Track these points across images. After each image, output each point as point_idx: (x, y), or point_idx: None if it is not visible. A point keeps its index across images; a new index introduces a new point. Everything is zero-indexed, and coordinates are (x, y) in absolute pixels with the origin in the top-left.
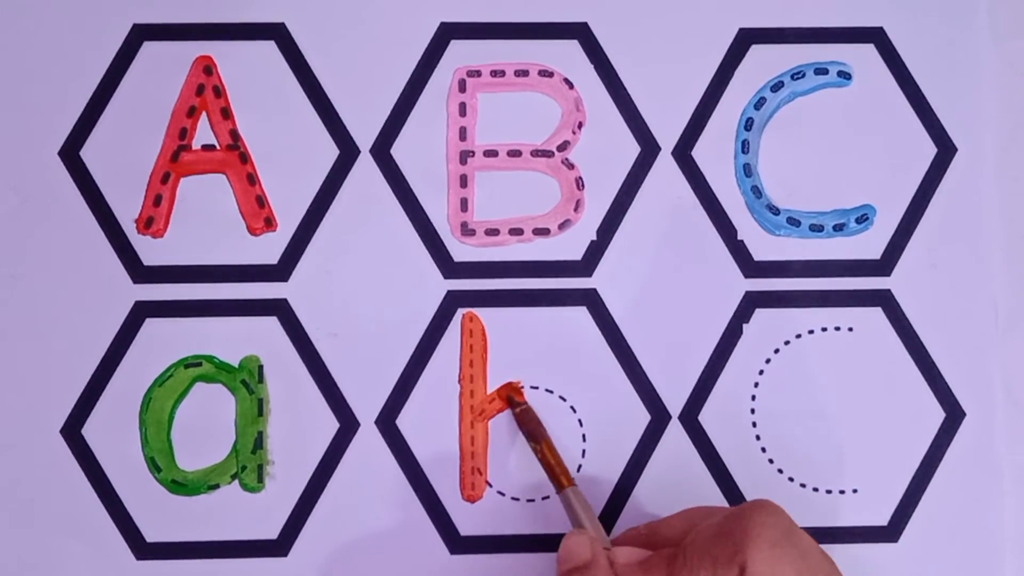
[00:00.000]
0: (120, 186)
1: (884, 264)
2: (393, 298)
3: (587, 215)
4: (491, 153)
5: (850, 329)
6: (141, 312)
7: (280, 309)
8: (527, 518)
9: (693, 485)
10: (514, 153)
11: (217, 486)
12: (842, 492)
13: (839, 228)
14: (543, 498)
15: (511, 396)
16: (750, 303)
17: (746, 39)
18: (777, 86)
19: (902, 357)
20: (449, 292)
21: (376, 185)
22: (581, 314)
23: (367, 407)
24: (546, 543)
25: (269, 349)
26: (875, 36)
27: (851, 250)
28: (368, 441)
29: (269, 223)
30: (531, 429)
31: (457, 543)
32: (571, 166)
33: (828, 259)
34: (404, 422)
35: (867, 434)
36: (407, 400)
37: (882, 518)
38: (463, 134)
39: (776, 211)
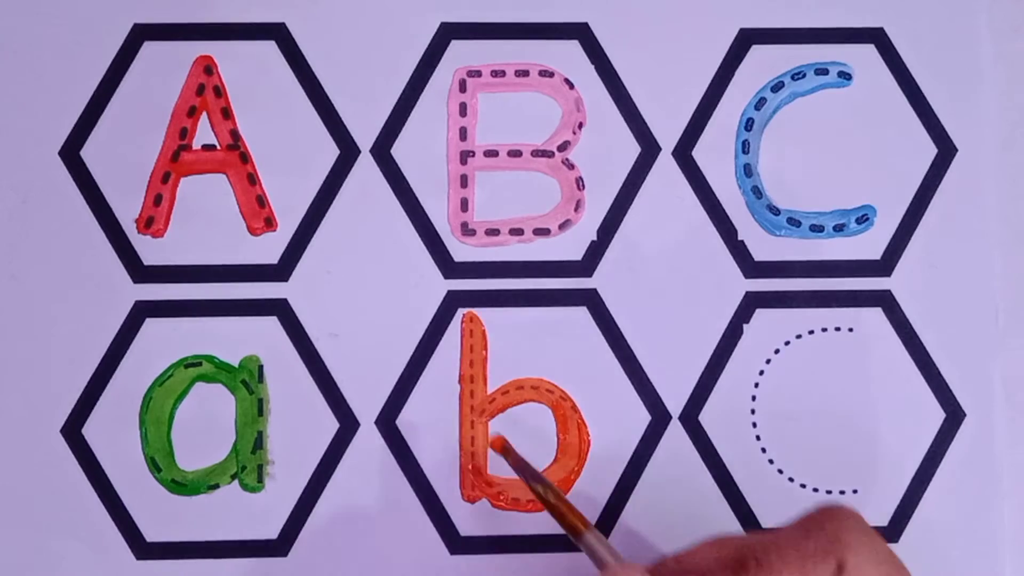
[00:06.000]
0: (120, 186)
1: (884, 264)
2: (393, 298)
3: (587, 215)
4: (491, 153)
5: (850, 329)
6: (141, 312)
7: (280, 309)
8: (527, 518)
9: (693, 485)
10: (514, 153)
11: (217, 486)
12: (842, 492)
13: (839, 228)
14: None
15: (504, 445)
16: (750, 303)
17: (746, 39)
18: (777, 86)
19: (902, 357)
20: (449, 292)
21: (376, 185)
22: (581, 314)
23: (367, 407)
24: (546, 543)
25: (269, 349)
26: (875, 36)
27: (851, 250)
28: (368, 441)
29: (269, 223)
30: (532, 474)
31: (457, 543)
32: (571, 166)
33: (828, 259)
34: (404, 422)
35: (867, 434)
36: (407, 400)
37: (882, 518)
38: (463, 134)
39: (776, 211)
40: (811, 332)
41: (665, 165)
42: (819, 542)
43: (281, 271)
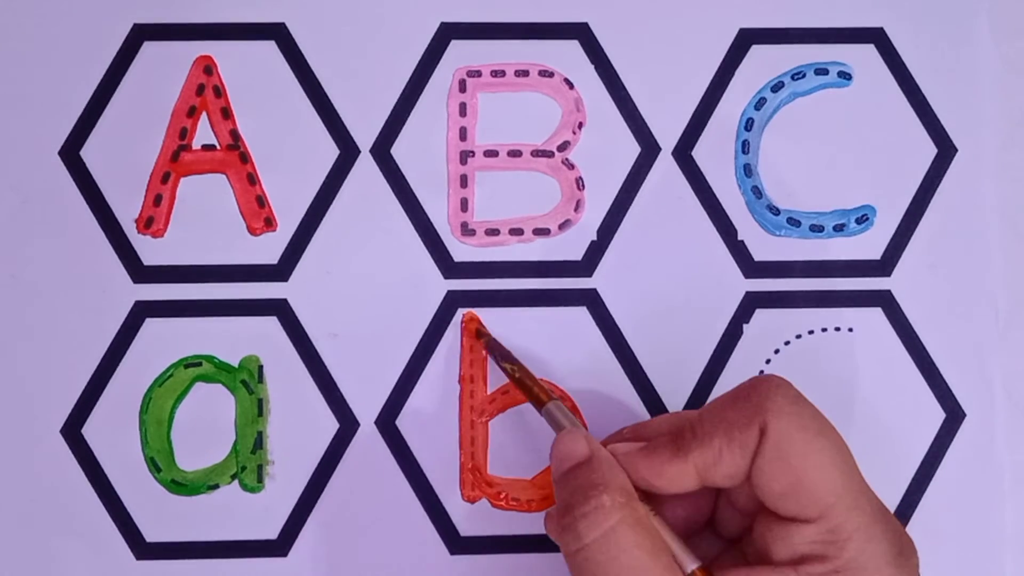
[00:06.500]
0: (120, 186)
1: (884, 264)
2: (393, 298)
3: (587, 215)
4: (491, 153)
5: (850, 330)
6: (141, 312)
7: (280, 309)
8: (527, 518)
9: None
10: (514, 153)
11: (217, 486)
12: None
13: (839, 228)
14: (543, 498)
15: (479, 329)
16: (750, 303)
17: (746, 39)
18: (777, 86)
19: (902, 357)
20: (449, 292)
21: (376, 185)
22: (581, 314)
23: (367, 407)
24: (546, 544)
25: (269, 349)
26: (875, 36)
27: (851, 250)
28: (368, 441)
29: (269, 223)
30: (503, 353)
31: (457, 543)
32: (571, 166)
33: (828, 259)
34: (404, 422)
35: (867, 434)
36: (407, 400)
37: None
38: (463, 134)
39: (776, 211)
40: (811, 332)
41: (665, 165)
42: (744, 410)
43: (281, 271)
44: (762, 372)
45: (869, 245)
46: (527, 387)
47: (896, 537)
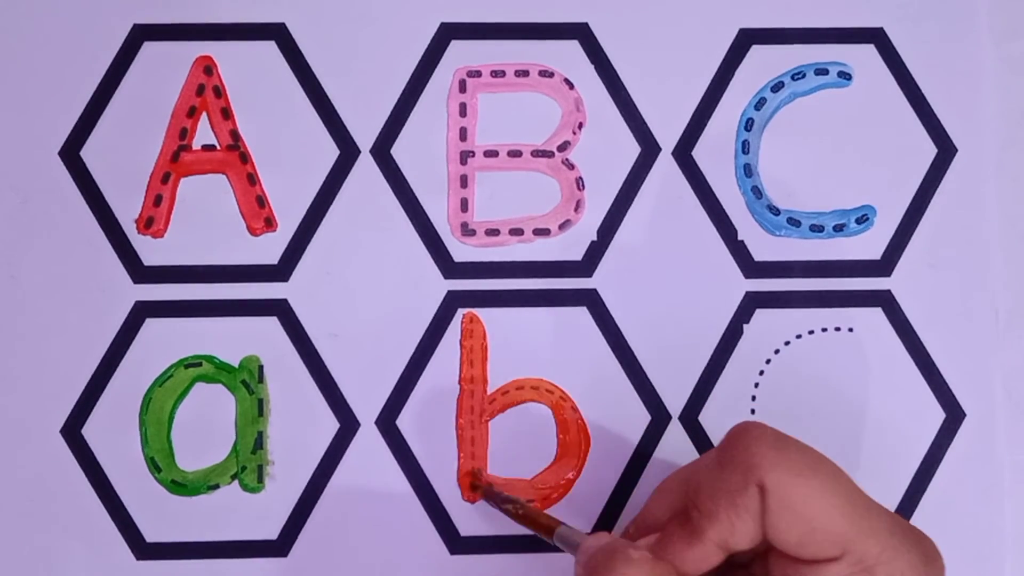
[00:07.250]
0: (120, 186)
1: (884, 264)
2: (393, 298)
3: (587, 215)
4: (491, 153)
5: (850, 330)
6: (141, 312)
7: (280, 309)
8: None
9: None
10: (514, 153)
11: (217, 486)
12: None
13: (839, 228)
14: (543, 499)
15: (474, 481)
16: (750, 303)
17: (746, 39)
18: (777, 86)
19: (902, 357)
20: (449, 292)
21: (376, 185)
22: (581, 314)
23: (367, 407)
24: (546, 544)
25: (269, 349)
26: (875, 36)
27: (851, 250)
28: (368, 441)
29: (269, 223)
30: (503, 497)
31: (457, 543)
32: (571, 166)
33: (828, 259)
34: (404, 422)
35: (867, 435)
36: (407, 400)
37: None
38: (463, 134)
39: (776, 211)
40: (811, 332)
41: (665, 165)
42: (736, 473)
43: (281, 271)
44: (762, 371)
45: (869, 245)
46: (533, 520)
47: (919, 545)
